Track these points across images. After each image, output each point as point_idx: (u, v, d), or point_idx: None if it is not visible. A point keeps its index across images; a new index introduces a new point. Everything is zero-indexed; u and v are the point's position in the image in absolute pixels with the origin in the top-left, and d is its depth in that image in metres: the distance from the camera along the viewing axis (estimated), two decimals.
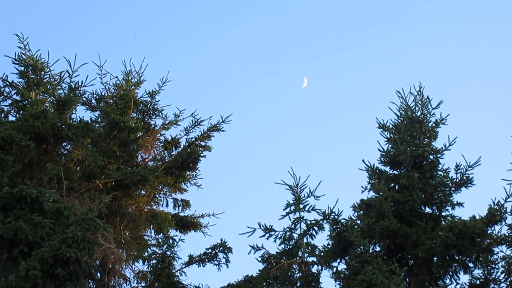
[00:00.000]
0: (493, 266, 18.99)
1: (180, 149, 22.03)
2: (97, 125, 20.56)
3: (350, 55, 36.63)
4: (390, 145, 20.56)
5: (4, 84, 19.60)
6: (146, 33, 36.23)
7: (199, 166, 21.87)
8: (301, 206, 20.18)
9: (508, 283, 18.84)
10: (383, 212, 18.89)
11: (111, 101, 22.14)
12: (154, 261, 20.87)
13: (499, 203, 18.93)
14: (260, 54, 36.79)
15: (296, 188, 20.36)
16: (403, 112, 20.92)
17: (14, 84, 19.65)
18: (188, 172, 21.95)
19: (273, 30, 37.39)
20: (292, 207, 20.21)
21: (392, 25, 37.05)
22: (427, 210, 19.87)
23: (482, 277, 19.09)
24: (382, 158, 20.50)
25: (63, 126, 18.20)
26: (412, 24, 36.75)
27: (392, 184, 20.11)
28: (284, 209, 20.23)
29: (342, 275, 19.17)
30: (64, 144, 19.03)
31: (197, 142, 22.08)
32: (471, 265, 19.03)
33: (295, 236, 20.09)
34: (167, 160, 21.85)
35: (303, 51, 36.19)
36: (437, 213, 19.81)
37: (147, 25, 37.24)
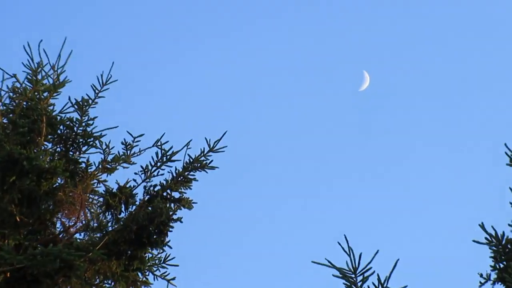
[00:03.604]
0: None
1: (134, 208, 13.34)
2: None
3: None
4: None
5: None
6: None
7: (170, 240, 12.98)
8: None
9: None
10: None
11: (5, 121, 13.35)
12: None
13: None
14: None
15: (352, 275, 11.96)
16: None
17: None
18: (150, 250, 13.19)
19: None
20: None
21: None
22: None
23: None
24: None
25: None
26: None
27: None
28: None
29: None
30: None
31: (165, 194, 13.47)
32: None
33: None
34: (110, 229, 13.15)
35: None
36: None
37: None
